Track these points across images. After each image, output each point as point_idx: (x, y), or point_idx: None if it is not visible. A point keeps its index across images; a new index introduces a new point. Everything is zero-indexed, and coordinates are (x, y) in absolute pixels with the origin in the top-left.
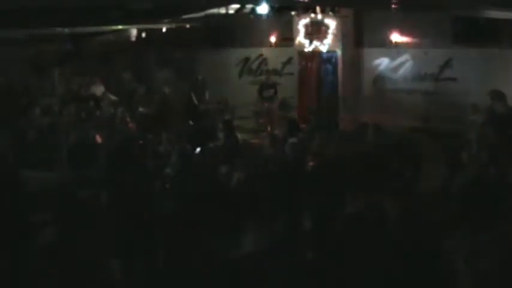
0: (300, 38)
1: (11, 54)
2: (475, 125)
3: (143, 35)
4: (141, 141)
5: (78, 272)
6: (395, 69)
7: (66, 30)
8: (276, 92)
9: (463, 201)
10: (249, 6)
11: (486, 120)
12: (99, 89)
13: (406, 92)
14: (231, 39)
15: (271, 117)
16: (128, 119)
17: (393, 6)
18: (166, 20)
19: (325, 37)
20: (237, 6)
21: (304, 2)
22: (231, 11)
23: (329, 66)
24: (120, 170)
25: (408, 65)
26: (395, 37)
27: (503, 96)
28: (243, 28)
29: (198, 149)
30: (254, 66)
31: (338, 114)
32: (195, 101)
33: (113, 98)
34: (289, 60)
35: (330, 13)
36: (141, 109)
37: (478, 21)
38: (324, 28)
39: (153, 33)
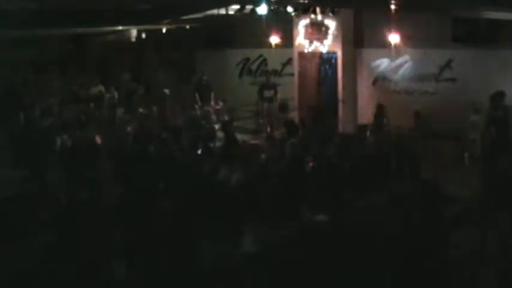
0: (300, 39)
1: (11, 54)
2: (474, 125)
3: (143, 35)
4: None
5: None
6: (395, 69)
7: (67, 30)
8: (276, 93)
9: None
10: (249, 6)
11: (487, 121)
12: (99, 90)
13: (406, 92)
14: (231, 40)
15: (271, 118)
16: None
17: (393, 6)
18: (166, 21)
19: (325, 38)
20: (237, 6)
21: (304, 3)
22: (231, 12)
23: (329, 67)
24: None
25: (408, 65)
26: (395, 37)
27: (504, 97)
28: (243, 29)
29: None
30: (254, 67)
31: (338, 115)
32: (199, 102)
33: (113, 98)
34: (289, 61)
35: (330, 14)
36: (140, 109)
37: (478, 22)
38: (323, 29)
39: (153, 34)
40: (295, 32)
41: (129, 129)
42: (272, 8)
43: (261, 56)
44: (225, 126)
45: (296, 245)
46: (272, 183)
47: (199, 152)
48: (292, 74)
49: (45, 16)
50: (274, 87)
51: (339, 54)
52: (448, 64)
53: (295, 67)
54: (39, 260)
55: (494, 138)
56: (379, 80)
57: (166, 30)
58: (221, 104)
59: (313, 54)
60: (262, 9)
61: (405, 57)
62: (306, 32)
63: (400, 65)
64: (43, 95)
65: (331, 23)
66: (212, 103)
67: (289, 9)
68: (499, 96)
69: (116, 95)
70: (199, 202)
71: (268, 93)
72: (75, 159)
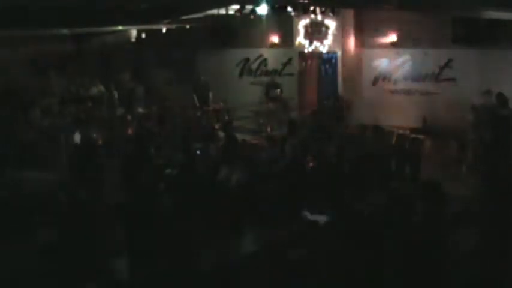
0: (300, 39)
1: (11, 54)
2: (474, 125)
3: (143, 35)
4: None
5: None
6: (396, 69)
7: (67, 30)
8: (281, 92)
9: None
10: (249, 6)
11: (479, 119)
12: (99, 90)
13: (406, 92)
14: (231, 40)
15: (275, 117)
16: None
17: (393, 6)
18: (166, 21)
19: (325, 38)
20: (237, 6)
21: (304, 3)
22: (231, 12)
23: (329, 67)
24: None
25: (408, 65)
26: (395, 37)
27: (493, 95)
28: (243, 29)
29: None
30: (254, 66)
31: (337, 114)
32: (197, 103)
33: (113, 98)
34: (289, 61)
35: (330, 14)
36: (140, 109)
37: (478, 22)
38: (324, 29)
39: (153, 34)
40: (295, 32)
41: (129, 129)
42: (272, 8)
43: (261, 56)
44: (225, 126)
45: (296, 245)
46: (272, 183)
47: (199, 152)
48: (292, 74)
49: (46, 16)
50: (279, 86)
51: (339, 54)
52: (448, 64)
53: (295, 67)
54: (40, 259)
55: (496, 137)
56: (379, 80)
57: (166, 30)
58: (221, 104)
59: (313, 54)
60: (262, 9)
61: (405, 57)
62: (306, 32)
63: (400, 65)
64: (43, 95)
65: (331, 23)
66: (210, 103)
67: (289, 9)
68: (504, 95)
69: (116, 95)
70: (199, 202)
71: (274, 93)
72: (75, 158)
